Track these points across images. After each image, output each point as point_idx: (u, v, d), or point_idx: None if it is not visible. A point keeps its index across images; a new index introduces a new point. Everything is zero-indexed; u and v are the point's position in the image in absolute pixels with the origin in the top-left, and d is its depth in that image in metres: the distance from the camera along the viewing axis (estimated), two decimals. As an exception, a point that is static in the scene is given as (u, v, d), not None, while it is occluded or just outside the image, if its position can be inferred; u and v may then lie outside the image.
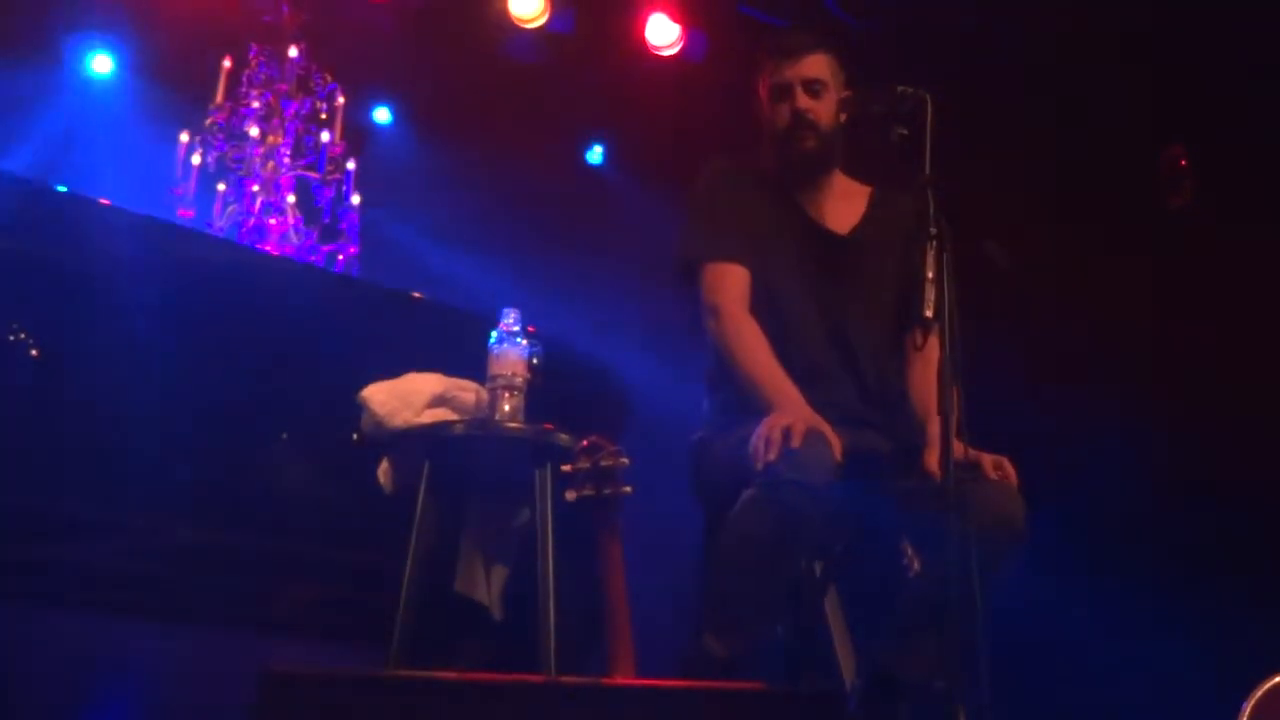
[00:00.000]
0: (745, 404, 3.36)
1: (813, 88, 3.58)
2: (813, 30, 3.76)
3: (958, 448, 3.07)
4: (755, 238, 3.56)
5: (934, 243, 3.05)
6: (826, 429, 3.11)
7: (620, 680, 3.12)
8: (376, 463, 3.85)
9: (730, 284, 3.49)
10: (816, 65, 3.60)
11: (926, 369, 3.44)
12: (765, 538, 3.11)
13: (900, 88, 3.25)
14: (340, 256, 6.20)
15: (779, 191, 3.65)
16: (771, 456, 3.04)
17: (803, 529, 3.11)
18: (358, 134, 6.84)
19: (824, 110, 3.59)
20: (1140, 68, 5.99)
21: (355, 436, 3.88)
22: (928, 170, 3.13)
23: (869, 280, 3.62)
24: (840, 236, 3.65)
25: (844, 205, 3.69)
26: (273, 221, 6.07)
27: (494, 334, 3.74)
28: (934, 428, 3.28)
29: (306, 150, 6.32)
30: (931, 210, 3.08)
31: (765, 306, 3.50)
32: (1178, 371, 5.94)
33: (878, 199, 3.73)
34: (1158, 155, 6.41)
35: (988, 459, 3.26)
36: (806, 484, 3.05)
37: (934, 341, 3.12)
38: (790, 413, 3.14)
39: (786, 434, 3.06)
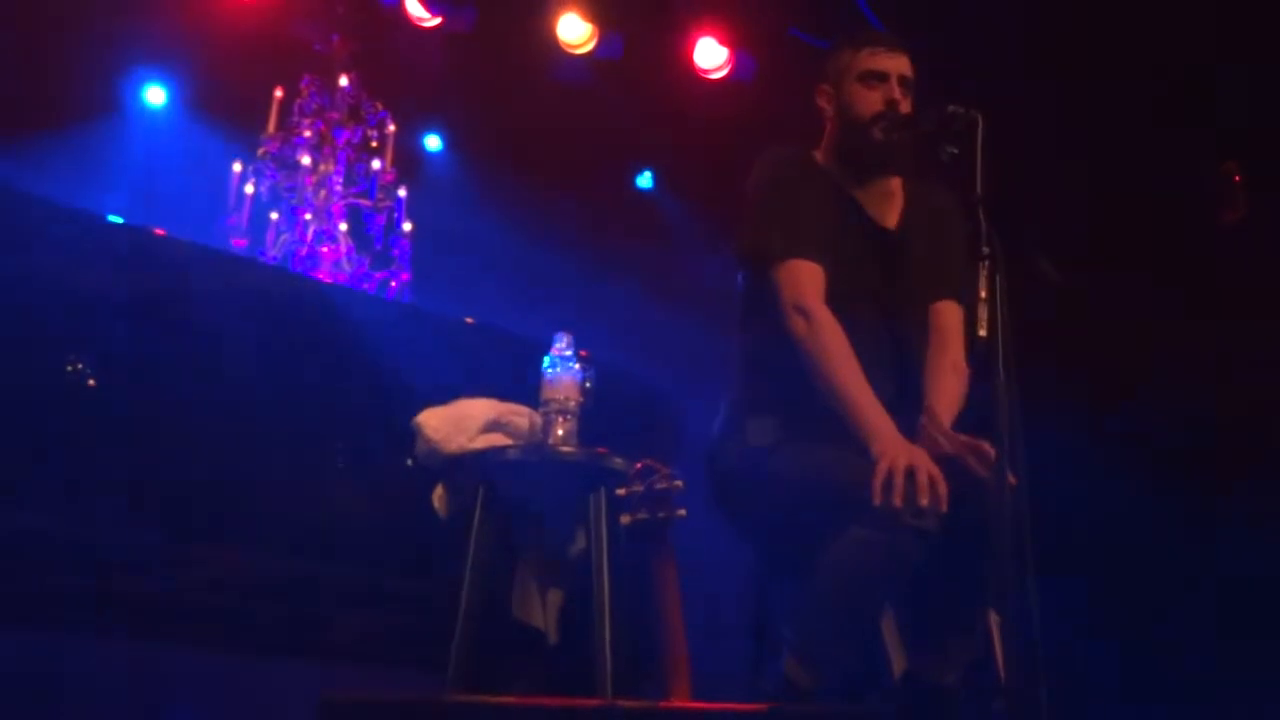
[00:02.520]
0: (805, 420, 3.32)
1: (906, 85, 3.56)
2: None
3: (946, 442, 3.12)
4: (825, 233, 3.51)
5: (987, 263, 3.02)
6: (939, 474, 3.07)
7: (676, 703, 3.11)
8: (431, 488, 3.85)
9: (814, 283, 3.39)
10: (910, 67, 3.59)
11: (941, 359, 3.45)
12: (875, 576, 3.10)
13: (951, 107, 3.24)
14: (393, 283, 6.24)
15: (836, 186, 3.61)
16: (897, 502, 3.01)
17: (909, 569, 3.10)
18: (409, 161, 6.88)
19: (908, 110, 3.58)
20: (1195, 82, 5.96)
21: (410, 462, 3.89)
22: (978, 190, 3.11)
23: (916, 276, 3.58)
24: (891, 230, 3.61)
25: (886, 200, 3.65)
26: (325, 249, 6.11)
27: (547, 358, 3.74)
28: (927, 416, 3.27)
29: (358, 178, 6.37)
30: (984, 230, 3.06)
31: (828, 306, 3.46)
32: (1230, 387, 5.91)
33: (911, 190, 3.68)
34: (1213, 171, 6.37)
35: (972, 460, 3.18)
36: (925, 530, 3.04)
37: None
38: (902, 451, 3.08)
39: (910, 479, 3.03)
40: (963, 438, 3.17)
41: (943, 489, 3.03)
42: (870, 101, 3.54)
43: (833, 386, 3.25)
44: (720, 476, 3.49)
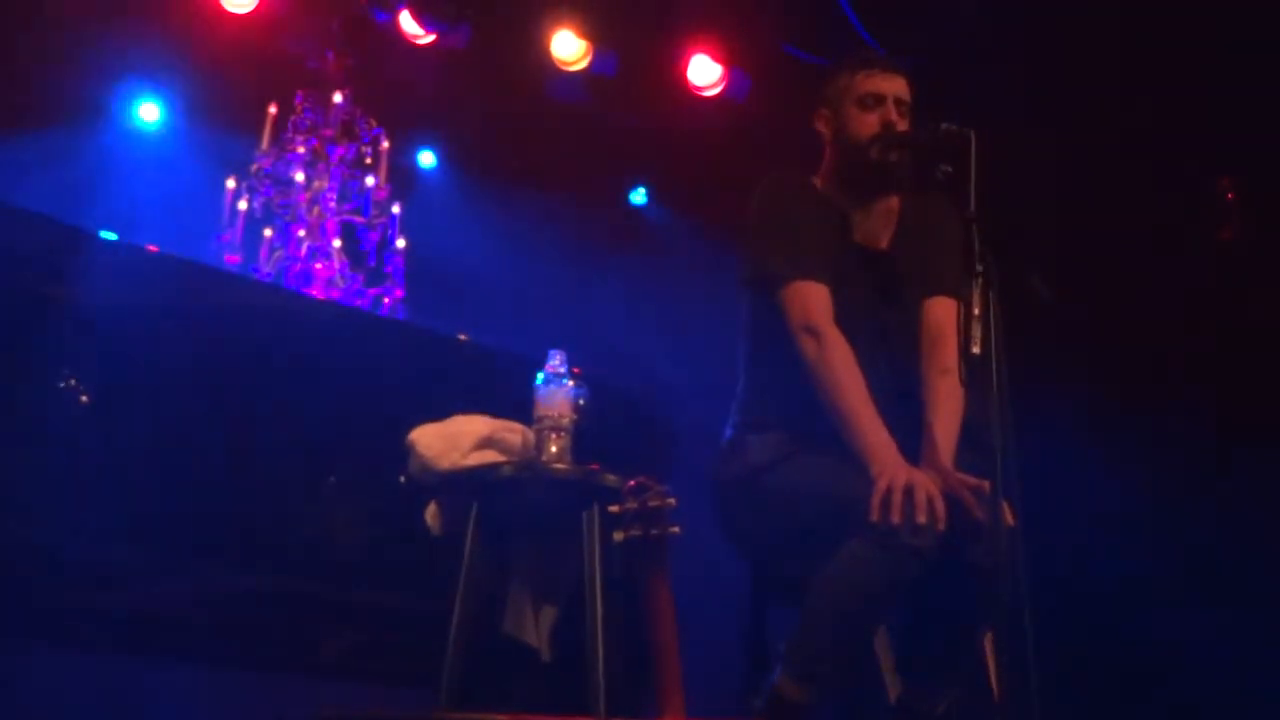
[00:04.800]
0: (807, 436, 3.33)
1: (903, 107, 3.56)
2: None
3: (953, 481, 3.12)
4: (827, 256, 3.51)
5: (980, 280, 3.03)
6: (937, 494, 3.07)
7: (670, 721, 3.11)
8: (424, 505, 3.85)
9: (822, 304, 3.41)
10: (908, 89, 3.59)
11: (932, 364, 3.45)
12: (871, 593, 3.11)
13: (944, 125, 3.25)
14: (386, 300, 6.23)
15: (834, 210, 3.61)
16: (895, 519, 3.02)
17: (904, 588, 3.10)
18: (402, 178, 6.88)
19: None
20: (1189, 100, 5.96)
21: (403, 479, 3.88)
22: (972, 207, 3.11)
23: (909, 284, 3.57)
24: (884, 252, 3.62)
25: (885, 220, 3.66)
26: (319, 266, 6.11)
27: (540, 375, 3.74)
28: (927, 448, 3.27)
29: (352, 195, 6.37)
30: (977, 247, 3.06)
31: None
32: (1231, 404, 5.91)
33: (907, 205, 3.68)
34: (1207, 188, 6.37)
35: (969, 497, 3.17)
36: (923, 549, 3.04)
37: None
38: (901, 471, 3.10)
39: (908, 497, 3.03)
40: (961, 476, 3.18)
41: (940, 509, 3.04)
42: (867, 124, 3.54)
43: (839, 406, 3.28)
44: (722, 492, 3.51)
